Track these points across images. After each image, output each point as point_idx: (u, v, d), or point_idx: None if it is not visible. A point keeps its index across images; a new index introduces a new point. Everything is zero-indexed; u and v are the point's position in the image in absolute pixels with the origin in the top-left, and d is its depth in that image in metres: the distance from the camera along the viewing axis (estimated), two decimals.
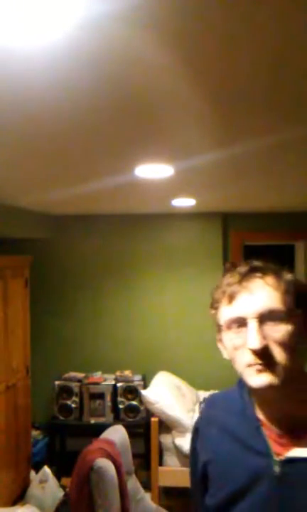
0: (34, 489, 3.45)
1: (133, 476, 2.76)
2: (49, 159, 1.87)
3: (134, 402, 3.92)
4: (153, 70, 1.00)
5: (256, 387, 0.89)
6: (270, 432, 0.94)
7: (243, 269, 0.96)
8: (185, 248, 4.25)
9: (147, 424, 3.59)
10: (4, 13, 0.75)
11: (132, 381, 3.99)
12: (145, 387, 3.83)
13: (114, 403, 3.97)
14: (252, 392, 0.97)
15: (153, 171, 2.06)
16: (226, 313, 0.94)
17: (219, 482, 1.00)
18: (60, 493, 3.49)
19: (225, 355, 0.98)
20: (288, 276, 0.97)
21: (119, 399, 3.95)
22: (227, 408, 1.06)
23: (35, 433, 4.03)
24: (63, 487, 3.55)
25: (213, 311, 1.00)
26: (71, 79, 1.03)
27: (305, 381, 0.95)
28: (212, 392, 3.59)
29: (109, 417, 3.94)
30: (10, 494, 3.28)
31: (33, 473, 3.67)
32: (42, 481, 3.48)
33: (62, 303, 4.36)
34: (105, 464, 2.35)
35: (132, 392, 3.95)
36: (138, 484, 2.80)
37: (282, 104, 1.26)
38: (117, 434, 2.70)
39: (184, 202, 3.32)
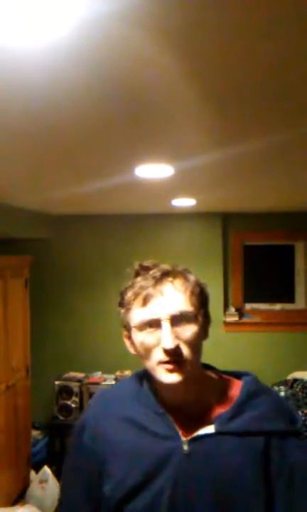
0: (34, 489, 3.45)
1: None
2: (49, 159, 1.87)
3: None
4: (153, 70, 1.00)
5: (168, 383, 0.97)
6: (174, 418, 1.02)
7: (156, 273, 1.01)
8: (184, 248, 4.25)
9: None
10: (4, 13, 0.75)
11: None
12: None
13: None
14: (157, 384, 1.04)
15: (153, 171, 2.06)
16: (139, 314, 0.99)
17: (124, 473, 1.01)
18: None
19: (132, 351, 1.06)
20: (193, 278, 1.03)
21: None
22: (122, 401, 1.09)
23: (35, 433, 4.03)
24: None
25: (123, 311, 1.05)
26: (71, 79, 1.03)
27: (201, 371, 1.07)
28: None
29: None
30: (10, 494, 3.28)
31: (33, 473, 3.67)
32: (42, 481, 3.48)
33: (62, 303, 4.36)
34: None
35: None
36: None
37: (282, 104, 1.26)
38: None
39: (184, 202, 3.32)
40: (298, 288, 4.44)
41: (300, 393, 3.52)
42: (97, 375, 4.14)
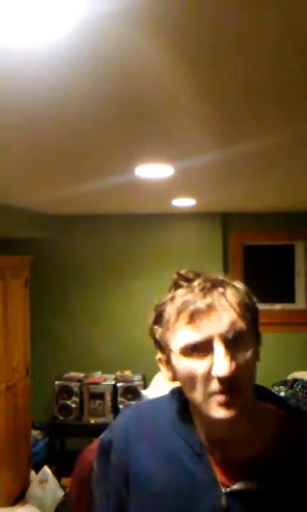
0: (34, 489, 3.45)
1: None
2: (49, 159, 1.87)
3: (134, 402, 3.92)
4: (154, 70, 1.00)
5: (221, 419, 0.78)
6: (213, 459, 0.84)
7: (203, 283, 0.82)
8: (185, 248, 4.25)
9: None
10: (5, 13, 0.75)
11: (132, 381, 3.99)
12: (145, 387, 3.83)
13: (114, 403, 3.97)
14: (200, 417, 0.84)
15: (153, 171, 2.06)
16: (185, 335, 0.80)
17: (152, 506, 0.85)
18: (60, 493, 3.49)
19: (169, 378, 0.86)
20: (243, 287, 0.88)
21: (119, 399, 3.95)
22: (158, 425, 0.91)
23: (35, 433, 4.02)
24: (63, 487, 3.55)
25: (161, 330, 0.85)
26: (71, 78, 1.03)
27: (252, 401, 0.85)
28: None
29: (109, 417, 3.94)
30: (10, 494, 3.28)
31: (33, 473, 3.67)
32: (42, 481, 3.48)
33: (62, 303, 4.36)
34: None
35: (132, 392, 3.95)
36: None
37: (282, 104, 1.26)
38: None
39: (184, 202, 3.32)
40: (298, 288, 4.44)
41: (300, 393, 3.52)
42: (97, 375, 4.14)
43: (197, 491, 0.82)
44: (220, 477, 0.83)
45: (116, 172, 2.13)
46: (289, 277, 4.46)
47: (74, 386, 3.99)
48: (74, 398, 3.98)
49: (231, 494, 0.80)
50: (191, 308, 0.80)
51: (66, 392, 4.00)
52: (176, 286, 0.87)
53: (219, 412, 0.78)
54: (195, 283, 0.83)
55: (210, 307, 0.79)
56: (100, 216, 4.26)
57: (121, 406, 3.93)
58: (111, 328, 4.30)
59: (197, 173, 2.21)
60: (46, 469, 3.56)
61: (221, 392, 0.77)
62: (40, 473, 3.55)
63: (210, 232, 4.28)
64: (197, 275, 0.87)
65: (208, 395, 0.78)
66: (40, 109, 1.23)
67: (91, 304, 4.34)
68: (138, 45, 0.88)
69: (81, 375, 4.16)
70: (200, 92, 1.15)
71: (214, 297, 0.80)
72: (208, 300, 0.80)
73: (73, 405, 3.97)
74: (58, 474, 3.72)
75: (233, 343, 0.78)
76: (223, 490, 0.81)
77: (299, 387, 3.60)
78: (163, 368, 0.88)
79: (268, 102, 1.23)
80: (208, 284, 0.82)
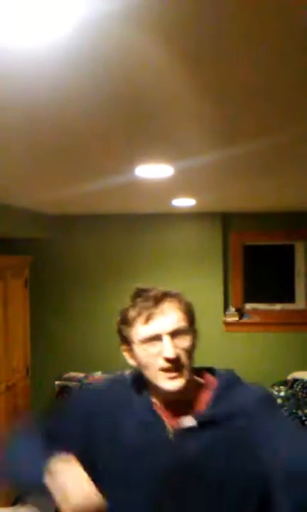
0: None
1: None
2: (49, 159, 1.87)
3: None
4: (154, 70, 1.00)
5: (169, 389, 1.13)
6: (162, 412, 1.17)
7: (155, 294, 1.17)
8: (184, 248, 4.25)
9: None
10: (5, 14, 0.75)
11: None
12: None
13: None
14: (152, 391, 1.19)
15: (153, 171, 2.06)
16: (143, 330, 1.15)
17: (111, 456, 1.17)
18: None
19: (132, 362, 1.21)
20: (186, 299, 1.21)
21: None
22: (116, 395, 1.25)
23: None
24: None
25: (126, 328, 1.20)
26: (71, 78, 1.03)
27: (191, 379, 1.19)
28: None
29: None
30: (10, 494, 3.28)
31: None
32: None
33: (62, 303, 4.36)
34: None
35: None
36: None
37: (282, 104, 1.26)
38: None
39: (184, 202, 3.32)
40: (298, 288, 4.44)
41: (300, 393, 3.52)
42: (97, 375, 4.14)
43: (153, 433, 1.15)
44: (169, 423, 1.15)
45: (116, 172, 2.13)
46: (289, 277, 4.46)
47: (74, 386, 3.99)
48: None
49: (176, 433, 1.13)
50: (147, 312, 1.15)
51: (66, 392, 4.00)
52: (136, 295, 1.21)
53: (168, 384, 1.12)
54: (151, 294, 1.18)
55: (160, 312, 1.15)
56: (100, 216, 4.26)
57: None
58: (111, 328, 4.28)
59: (197, 173, 2.21)
60: None
61: (168, 369, 1.12)
62: None
63: (210, 232, 4.28)
64: (153, 289, 1.21)
65: (158, 370, 1.13)
66: (40, 109, 1.23)
67: (91, 304, 4.34)
68: (138, 45, 0.88)
69: (81, 375, 4.15)
70: (200, 92, 1.15)
71: (164, 305, 1.16)
72: (159, 307, 1.15)
73: None
74: None
75: (176, 335, 1.13)
76: (170, 430, 1.14)
77: (299, 387, 3.60)
78: (127, 355, 1.23)
79: (269, 101, 1.23)
80: (159, 295, 1.17)
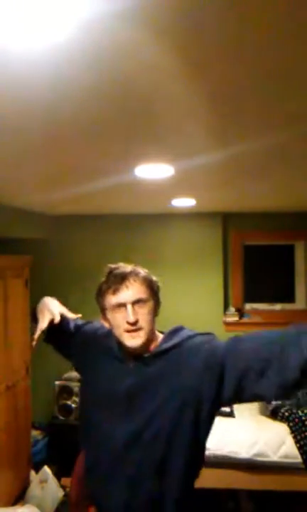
0: (34, 489, 3.45)
1: None
2: (49, 159, 1.87)
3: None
4: (154, 70, 1.00)
5: (130, 346, 1.50)
6: (127, 353, 1.56)
7: (122, 272, 1.53)
8: (185, 248, 4.25)
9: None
10: (5, 15, 0.75)
11: None
12: None
13: None
14: (122, 344, 1.54)
15: (153, 171, 2.06)
16: (112, 300, 1.52)
17: (92, 374, 1.67)
18: (60, 493, 3.49)
19: (107, 325, 1.59)
20: (146, 275, 1.56)
21: None
22: (106, 337, 1.67)
23: (35, 433, 4.02)
24: (63, 487, 3.55)
25: (100, 298, 1.58)
26: (72, 79, 1.03)
27: (154, 335, 1.56)
28: None
29: None
30: (10, 494, 3.28)
31: (33, 473, 3.66)
32: (43, 481, 3.48)
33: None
34: None
35: None
36: None
37: (282, 105, 1.26)
38: None
39: (184, 202, 3.32)
40: (298, 288, 4.44)
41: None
42: None
43: (120, 365, 1.57)
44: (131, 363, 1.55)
45: (116, 172, 2.14)
46: (289, 277, 4.46)
47: (74, 386, 3.99)
48: (74, 398, 3.98)
49: (135, 363, 1.53)
50: (113, 287, 1.52)
51: (66, 392, 4.00)
52: (109, 273, 1.57)
53: (129, 341, 1.50)
54: (118, 271, 1.54)
55: (125, 286, 1.50)
56: (100, 216, 4.25)
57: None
58: None
59: (197, 173, 2.21)
60: (46, 469, 3.56)
61: (129, 330, 1.49)
62: (40, 473, 3.55)
63: (210, 232, 4.28)
64: (121, 267, 1.57)
65: (123, 331, 1.50)
66: (40, 109, 1.23)
67: (91, 304, 4.33)
68: (139, 45, 0.88)
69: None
70: (200, 92, 1.15)
71: (128, 281, 1.51)
72: (124, 282, 1.51)
73: (73, 405, 3.97)
74: (58, 474, 3.72)
75: (136, 304, 1.50)
76: (132, 361, 1.54)
77: None
78: (103, 320, 1.62)
79: (269, 102, 1.23)
80: (125, 273, 1.53)
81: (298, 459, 3.06)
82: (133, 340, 1.49)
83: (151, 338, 1.53)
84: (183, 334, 1.57)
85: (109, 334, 1.63)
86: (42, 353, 4.22)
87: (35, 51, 0.88)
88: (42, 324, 1.92)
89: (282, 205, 3.70)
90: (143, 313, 1.50)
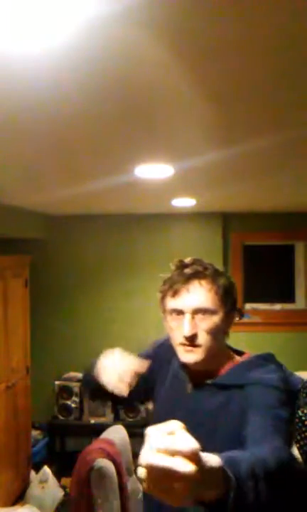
0: (34, 489, 3.45)
1: (134, 476, 2.76)
2: (49, 159, 1.87)
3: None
4: (154, 71, 1.00)
5: (184, 362, 1.26)
6: (189, 373, 1.32)
7: (187, 272, 1.24)
8: (185, 248, 4.24)
9: (147, 424, 3.58)
10: (5, 16, 0.75)
11: None
12: None
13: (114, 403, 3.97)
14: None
15: (153, 171, 2.06)
16: (170, 303, 1.26)
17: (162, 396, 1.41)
18: (60, 493, 3.49)
19: (167, 326, 1.30)
20: (221, 281, 1.26)
21: None
22: (169, 351, 1.38)
23: (35, 433, 4.02)
24: (63, 487, 3.55)
25: (160, 296, 1.30)
26: (71, 79, 1.03)
27: (220, 354, 1.30)
28: None
29: (109, 417, 3.94)
30: (10, 494, 3.28)
31: (33, 473, 3.66)
32: (42, 481, 3.48)
33: (61, 303, 4.36)
34: (105, 464, 2.35)
35: None
36: (139, 484, 2.80)
37: (282, 104, 1.26)
38: (117, 434, 2.70)
39: (184, 202, 3.32)
40: (298, 288, 4.44)
41: (300, 393, 3.52)
42: None
43: (179, 387, 1.33)
44: (191, 382, 1.31)
45: (116, 172, 2.13)
46: (289, 277, 4.46)
47: (74, 386, 3.99)
48: (74, 398, 3.98)
49: (193, 389, 1.30)
50: (175, 287, 1.24)
51: (66, 392, 4.00)
52: (176, 268, 1.29)
53: (183, 356, 1.25)
54: (185, 270, 1.24)
55: (187, 290, 1.22)
56: (100, 216, 4.25)
57: (120, 406, 3.93)
58: (111, 328, 4.30)
59: (197, 173, 2.21)
60: (46, 469, 3.56)
61: (185, 344, 1.22)
62: (40, 473, 3.55)
63: (210, 232, 4.28)
64: (190, 264, 1.27)
65: (178, 344, 1.25)
66: (41, 110, 1.23)
67: (91, 304, 4.34)
68: (139, 45, 0.88)
69: (81, 375, 4.15)
70: (200, 92, 1.15)
71: (191, 283, 1.23)
72: (185, 284, 1.23)
73: (73, 405, 3.97)
74: (58, 474, 3.72)
75: (198, 314, 1.21)
76: (190, 386, 1.30)
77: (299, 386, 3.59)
78: (164, 322, 1.31)
79: (269, 102, 1.23)
80: (189, 273, 1.23)
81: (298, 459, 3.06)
82: (187, 356, 1.24)
83: (217, 355, 1.27)
84: (265, 371, 1.26)
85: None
86: (42, 353, 4.24)
87: (35, 51, 0.88)
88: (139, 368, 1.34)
89: (282, 205, 3.70)
90: (204, 328, 1.21)
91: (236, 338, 4.86)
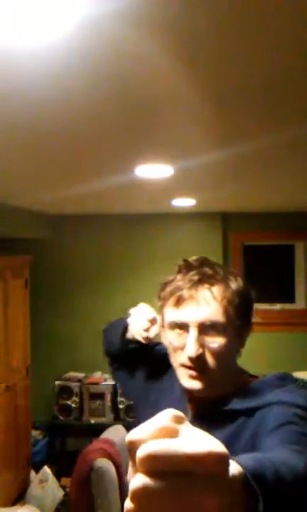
0: (34, 489, 3.45)
1: None
2: (49, 159, 1.87)
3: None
4: (154, 70, 1.00)
5: (187, 388, 1.00)
6: (187, 399, 1.07)
7: (195, 276, 0.97)
8: (184, 248, 4.24)
9: None
10: (4, 13, 0.75)
11: None
12: None
13: (114, 403, 3.96)
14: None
15: (153, 171, 2.06)
16: (171, 314, 0.99)
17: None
18: (60, 493, 3.49)
19: (164, 341, 1.05)
20: (235, 285, 1.01)
21: (119, 399, 3.94)
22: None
23: (35, 433, 4.02)
24: (63, 487, 3.55)
25: (160, 304, 1.04)
26: (71, 78, 1.03)
27: (231, 376, 1.04)
28: None
29: (109, 417, 3.94)
30: (10, 494, 3.28)
31: (33, 473, 3.66)
32: (42, 481, 3.48)
33: (61, 303, 4.36)
34: (105, 464, 2.35)
35: None
36: None
37: (282, 105, 1.26)
38: (117, 434, 2.71)
39: (184, 202, 3.32)
40: (298, 288, 4.43)
41: None
42: (97, 375, 4.14)
43: (181, 410, 1.02)
44: (190, 407, 1.05)
45: (116, 172, 2.13)
46: (289, 277, 4.46)
47: (74, 386, 3.99)
48: (74, 398, 3.98)
49: (195, 416, 1.03)
50: (178, 294, 0.96)
51: (66, 392, 4.00)
52: (179, 270, 1.01)
53: (186, 382, 0.98)
54: (191, 272, 0.98)
55: (192, 298, 0.95)
56: (100, 216, 4.25)
57: (120, 406, 3.93)
58: None
59: (197, 173, 2.21)
60: (46, 469, 3.56)
61: (189, 367, 0.96)
62: (40, 473, 3.55)
63: (210, 232, 4.27)
64: (197, 266, 1.00)
65: (179, 365, 0.98)
66: (40, 109, 1.23)
67: (91, 304, 4.34)
68: (138, 45, 0.88)
69: (81, 375, 4.15)
70: (200, 92, 1.15)
71: (199, 290, 0.95)
72: (192, 291, 0.95)
73: (73, 405, 3.97)
74: (58, 474, 3.72)
75: (207, 330, 0.95)
76: (189, 413, 1.03)
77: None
78: (161, 332, 1.07)
79: (269, 102, 1.23)
80: (197, 277, 0.96)
81: None
82: (190, 382, 0.98)
83: (227, 379, 1.02)
84: (282, 390, 1.00)
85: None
86: (42, 353, 4.23)
87: (35, 50, 0.88)
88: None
89: (282, 205, 3.70)
90: (213, 349, 0.95)
91: None
